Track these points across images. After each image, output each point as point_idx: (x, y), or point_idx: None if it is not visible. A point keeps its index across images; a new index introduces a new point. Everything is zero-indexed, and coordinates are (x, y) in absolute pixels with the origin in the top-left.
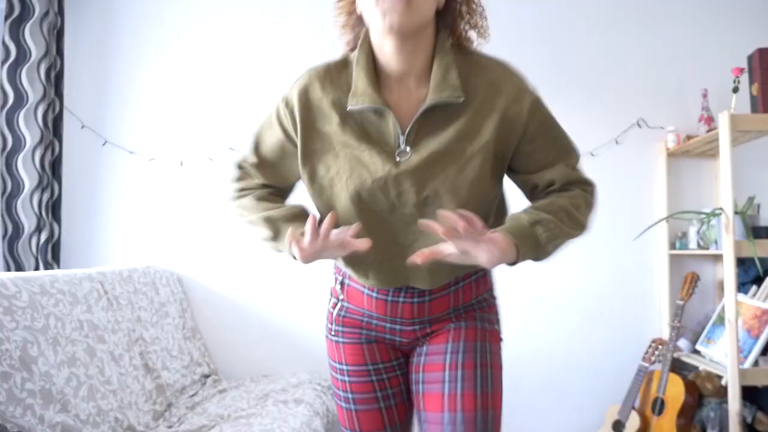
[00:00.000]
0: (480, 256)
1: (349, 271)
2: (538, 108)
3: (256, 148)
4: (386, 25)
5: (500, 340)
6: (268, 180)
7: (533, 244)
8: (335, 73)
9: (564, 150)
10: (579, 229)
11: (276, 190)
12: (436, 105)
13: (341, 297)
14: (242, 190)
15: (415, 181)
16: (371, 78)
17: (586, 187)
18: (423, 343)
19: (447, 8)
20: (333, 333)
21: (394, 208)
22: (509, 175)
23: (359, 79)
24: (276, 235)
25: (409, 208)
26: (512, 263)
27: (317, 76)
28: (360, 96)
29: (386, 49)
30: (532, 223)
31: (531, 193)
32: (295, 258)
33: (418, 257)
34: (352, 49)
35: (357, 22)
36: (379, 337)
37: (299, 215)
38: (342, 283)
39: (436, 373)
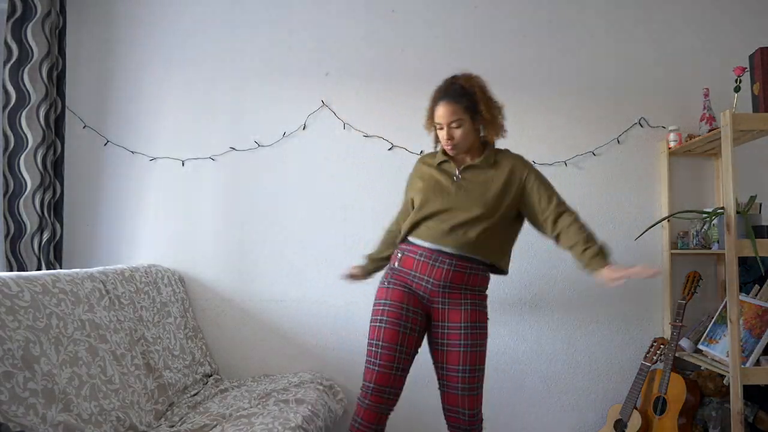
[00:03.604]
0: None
1: (419, 230)
2: (531, 169)
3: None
4: (451, 154)
5: (485, 316)
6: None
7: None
8: (431, 156)
9: (553, 191)
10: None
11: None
12: (472, 165)
13: (397, 263)
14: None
15: (460, 196)
16: (445, 154)
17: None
18: (442, 312)
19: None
20: (388, 283)
21: (451, 199)
22: (524, 212)
23: (440, 153)
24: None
25: (459, 201)
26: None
27: (426, 156)
28: (440, 158)
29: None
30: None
31: (540, 218)
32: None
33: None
34: (434, 141)
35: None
36: (415, 291)
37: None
38: (401, 256)
39: (455, 340)
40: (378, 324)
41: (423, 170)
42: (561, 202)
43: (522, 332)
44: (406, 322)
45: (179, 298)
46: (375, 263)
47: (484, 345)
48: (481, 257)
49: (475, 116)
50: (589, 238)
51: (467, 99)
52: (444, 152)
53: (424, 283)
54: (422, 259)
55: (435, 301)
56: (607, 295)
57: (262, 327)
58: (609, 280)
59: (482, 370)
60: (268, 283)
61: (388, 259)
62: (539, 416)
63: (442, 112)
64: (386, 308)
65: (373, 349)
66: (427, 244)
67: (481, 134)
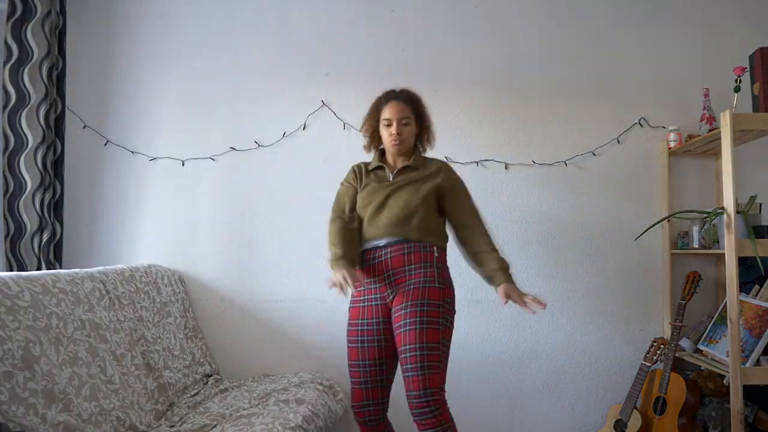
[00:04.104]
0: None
1: (365, 234)
2: (457, 179)
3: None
4: (393, 151)
5: (440, 292)
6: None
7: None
8: (366, 165)
9: (473, 208)
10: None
11: (349, 218)
12: (406, 166)
13: (364, 282)
14: (335, 216)
15: (395, 191)
16: (378, 157)
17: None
18: (392, 300)
19: (418, 135)
20: (351, 302)
21: (386, 201)
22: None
23: (374, 160)
24: (333, 258)
25: (393, 198)
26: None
27: (360, 165)
28: (374, 164)
29: (391, 151)
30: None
31: (461, 233)
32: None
33: (528, 302)
34: (367, 147)
35: (373, 137)
36: (369, 299)
37: (345, 257)
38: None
39: (398, 322)
40: (347, 345)
41: (359, 177)
42: (478, 222)
43: (522, 332)
44: (362, 336)
45: (179, 298)
46: (355, 260)
47: (436, 322)
48: (417, 240)
49: (419, 121)
50: (498, 256)
51: (413, 104)
52: (380, 157)
53: (374, 285)
54: (370, 264)
55: (387, 295)
56: (607, 295)
57: (262, 327)
58: (503, 296)
59: (435, 348)
60: (268, 283)
61: (358, 252)
62: (540, 415)
63: (394, 109)
64: (349, 328)
65: (348, 368)
66: (370, 245)
67: (416, 143)
